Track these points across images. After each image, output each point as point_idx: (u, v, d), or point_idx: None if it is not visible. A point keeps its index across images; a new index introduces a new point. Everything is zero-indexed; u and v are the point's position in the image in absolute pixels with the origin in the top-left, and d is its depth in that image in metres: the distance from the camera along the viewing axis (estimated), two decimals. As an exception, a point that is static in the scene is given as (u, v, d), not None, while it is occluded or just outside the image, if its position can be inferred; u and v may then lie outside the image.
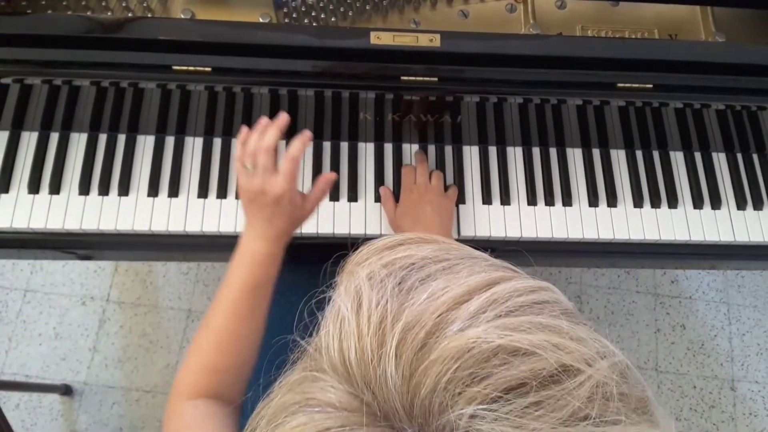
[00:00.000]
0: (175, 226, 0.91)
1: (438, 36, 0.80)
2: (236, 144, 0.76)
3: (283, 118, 0.74)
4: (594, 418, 0.29)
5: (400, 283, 0.35)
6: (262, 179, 0.72)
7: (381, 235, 0.92)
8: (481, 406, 0.29)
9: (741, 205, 0.98)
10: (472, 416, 0.29)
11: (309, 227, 0.92)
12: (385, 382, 0.31)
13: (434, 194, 0.91)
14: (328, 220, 0.93)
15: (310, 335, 0.39)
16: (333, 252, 0.94)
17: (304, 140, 0.73)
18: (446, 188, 0.96)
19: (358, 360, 0.32)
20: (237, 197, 0.93)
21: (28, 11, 0.82)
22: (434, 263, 0.36)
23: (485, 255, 0.39)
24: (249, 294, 0.72)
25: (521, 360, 0.30)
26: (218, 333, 0.71)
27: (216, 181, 0.94)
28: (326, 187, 0.80)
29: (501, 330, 0.31)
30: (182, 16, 0.83)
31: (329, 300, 0.38)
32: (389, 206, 0.93)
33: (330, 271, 0.42)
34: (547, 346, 0.30)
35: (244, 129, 0.76)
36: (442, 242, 0.39)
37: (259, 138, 0.73)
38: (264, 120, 0.75)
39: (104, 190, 0.92)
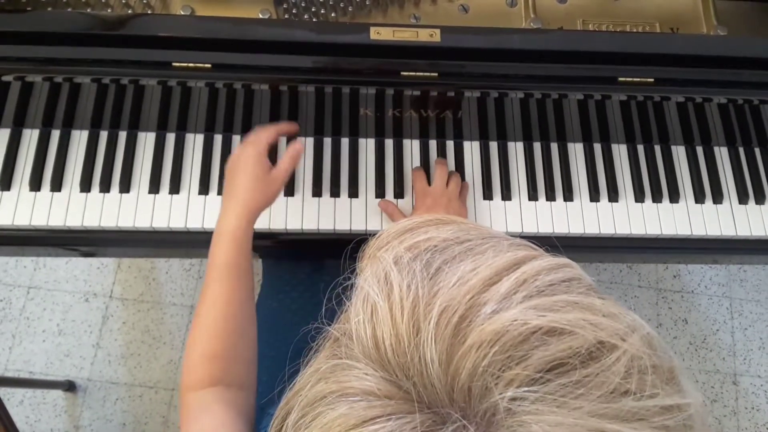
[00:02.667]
0: (177, 223, 0.91)
1: (438, 31, 0.80)
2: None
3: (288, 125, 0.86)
4: (634, 393, 0.29)
5: (426, 266, 0.35)
6: (243, 145, 0.78)
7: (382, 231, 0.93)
8: (522, 388, 0.29)
9: (743, 199, 0.97)
10: (514, 398, 0.29)
11: (309, 223, 0.92)
12: (425, 368, 0.31)
13: (449, 199, 0.90)
14: (328, 216, 0.93)
15: (334, 322, 0.39)
16: (333, 248, 0.94)
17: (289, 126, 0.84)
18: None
19: (393, 347, 0.32)
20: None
21: (28, 9, 0.82)
22: (456, 244, 0.36)
23: (503, 234, 0.39)
24: (229, 272, 0.72)
25: (558, 339, 0.30)
26: (209, 318, 0.71)
27: (217, 178, 0.94)
28: (295, 156, 0.81)
29: (536, 310, 0.30)
30: (182, 13, 0.83)
31: (352, 287, 0.38)
32: (396, 216, 0.92)
33: (350, 258, 0.42)
34: (583, 323, 0.30)
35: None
36: (461, 222, 0.40)
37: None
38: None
39: (105, 187, 0.92)
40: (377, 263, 0.37)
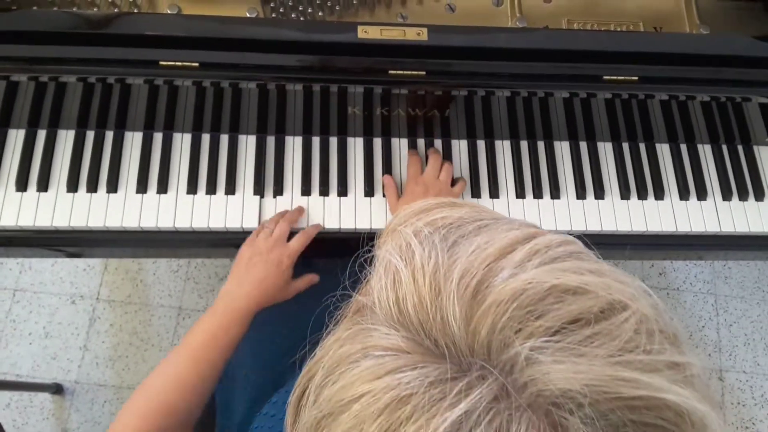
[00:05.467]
0: (165, 223, 0.91)
1: (425, 30, 0.81)
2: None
3: (301, 208, 0.93)
4: (645, 347, 0.31)
5: (444, 239, 0.37)
6: (275, 241, 0.86)
7: (372, 230, 0.93)
8: (541, 339, 0.30)
9: (726, 196, 0.99)
10: (533, 348, 0.30)
11: (300, 223, 0.92)
12: (447, 327, 0.32)
13: (440, 189, 0.92)
14: (318, 215, 0.94)
15: (355, 293, 0.41)
16: (323, 247, 0.94)
17: (309, 234, 0.90)
18: (454, 182, 0.96)
19: (416, 309, 0.33)
20: (226, 193, 0.93)
21: (13, 7, 0.81)
22: (471, 222, 0.38)
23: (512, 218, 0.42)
24: (215, 347, 0.76)
25: (574, 298, 0.31)
26: (179, 376, 0.73)
27: (205, 177, 0.94)
28: (312, 281, 0.91)
29: (552, 272, 0.32)
30: (169, 12, 0.83)
31: (373, 260, 0.40)
32: (392, 195, 0.94)
33: (368, 239, 0.45)
34: (597, 283, 0.32)
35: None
36: (473, 206, 0.42)
37: (281, 217, 0.90)
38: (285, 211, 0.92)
39: (93, 187, 0.92)
40: (398, 236, 0.39)
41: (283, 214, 0.91)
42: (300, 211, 0.93)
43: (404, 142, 0.99)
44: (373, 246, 0.43)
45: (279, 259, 0.85)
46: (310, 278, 0.91)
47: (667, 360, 0.31)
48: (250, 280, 0.83)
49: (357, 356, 0.34)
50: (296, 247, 0.88)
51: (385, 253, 0.38)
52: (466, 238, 0.37)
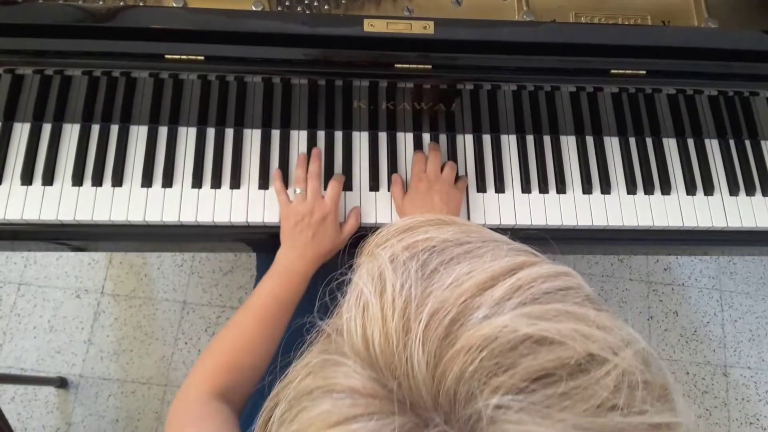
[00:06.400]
0: (170, 217, 0.91)
1: (432, 23, 0.80)
2: (274, 180, 0.92)
3: (317, 152, 0.94)
4: (621, 409, 0.29)
5: (422, 266, 0.34)
6: (313, 201, 0.87)
7: (376, 224, 0.93)
8: (507, 396, 0.28)
9: (733, 191, 0.98)
10: (498, 406, 0.28)
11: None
12: (411, 370, 0.30)
13: (443, 184, 0.91)
14: (322, 209, 0.93)
15: (329, 316, 0.39)
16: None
17: (339, 180, 0.91)
18: (457, 178, 0.95)
19: (382, 347, 0.32)
20: (231, 187, 0.93)
21: (19, 0, 0.81)
22: (455, 246, 0.36)
23: (506, 238, 0.39)
24: (277, 304, 0.81)
25: (548, 349, 0.29)
26: (243, 334, 0.78)
27: (210, 171, 0.94)
28: (360, 217, 0.92)
29: (527, 318, 0.30)
30: (174, 5, 0.82)
31: (349, 282, 0.38)
32: (397, 192, 0.93)
33: (348, 253, 0.43)
34: (574, 335, 0.30)
35: (278, 172, 0.92)
36: (462, 224, 0.39)
37: (303, 166, 0.91)
38: (302, 155, 0.93)
39: (98, 181, 0.92)
40: (373, 260, 0.37)
41: (304, 167, 0.91)
42: (318, 156, 0.93)
43: (409, 136, 0.99)
44: (351, 266, 0.41)
45: (322, 217, 0.86)
46: (355, 217, 0.92)
47: (647, 422, 0.29)
48: (302, 243, 0.85)
49: (318, 393, 0.32)
50: (333, 198, 0.88)
51: (357, 279, 0.36)
52: (446, 265, 0.34)
